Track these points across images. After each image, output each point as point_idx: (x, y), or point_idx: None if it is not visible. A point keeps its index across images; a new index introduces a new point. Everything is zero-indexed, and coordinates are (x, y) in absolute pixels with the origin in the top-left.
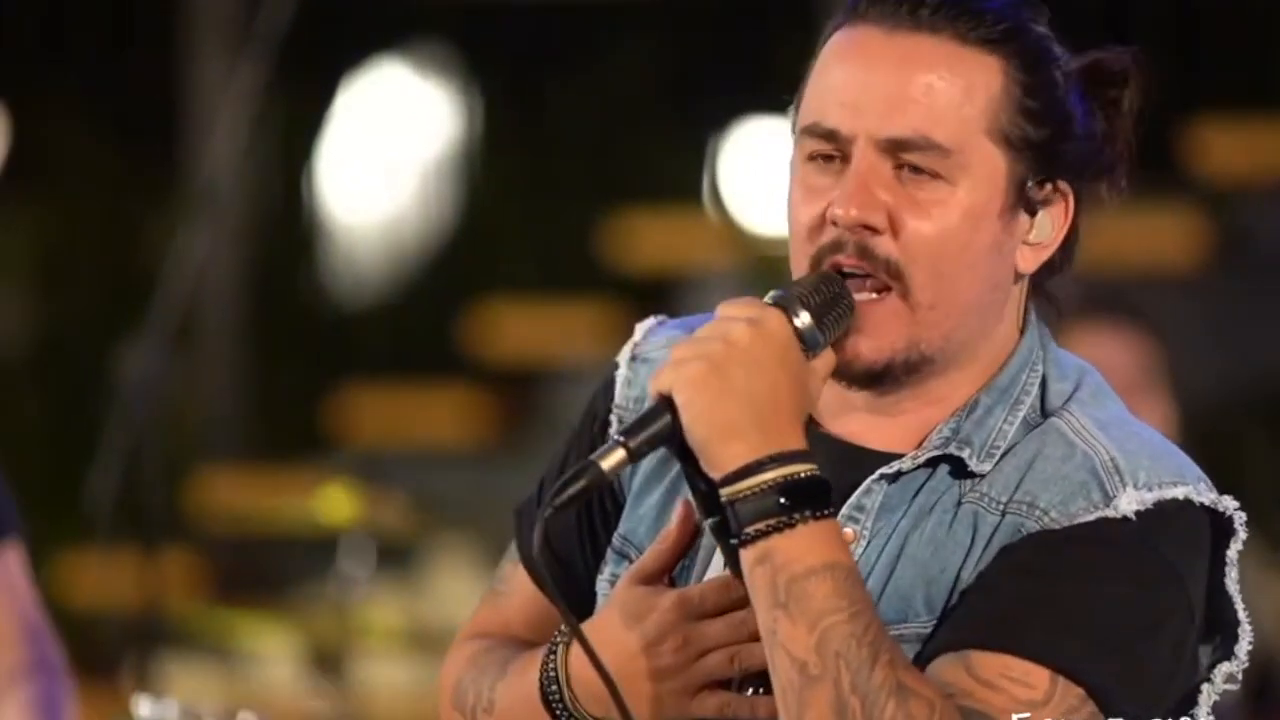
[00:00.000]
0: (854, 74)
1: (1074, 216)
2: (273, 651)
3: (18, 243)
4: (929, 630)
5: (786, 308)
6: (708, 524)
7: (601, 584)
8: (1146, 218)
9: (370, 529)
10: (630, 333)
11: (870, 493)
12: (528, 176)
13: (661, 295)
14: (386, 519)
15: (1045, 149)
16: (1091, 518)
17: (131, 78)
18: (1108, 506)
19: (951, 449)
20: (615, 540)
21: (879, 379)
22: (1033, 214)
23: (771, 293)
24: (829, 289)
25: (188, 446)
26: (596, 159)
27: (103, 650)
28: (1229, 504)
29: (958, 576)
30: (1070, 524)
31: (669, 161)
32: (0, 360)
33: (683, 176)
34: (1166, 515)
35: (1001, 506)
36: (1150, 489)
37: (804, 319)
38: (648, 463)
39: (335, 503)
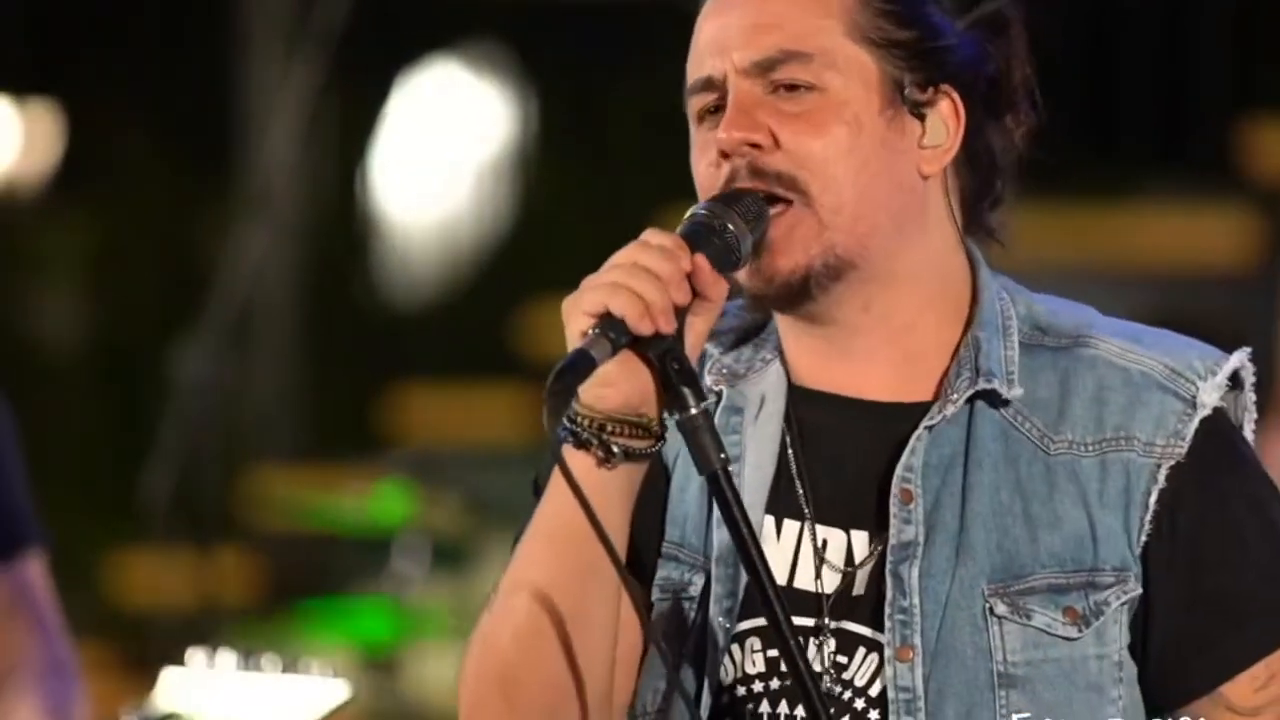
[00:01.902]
0: (714, 23)
1: (966, 119)
2: (327, 650)
3: (74, 243)
4: (1071, 579)
5: (719, 217)
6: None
7: (654, 590)
8: (1201, 218)
9: (424, 528)
10: None
11: (914, 451)
12: (583, 177)
13: None
14: (440, 518)
15: (915, 49)
16: (1193, 425)
17: (187, 78)
18: (1196, 408)
19: (980, 384)
20: (665, 546)
21: (804, 293)
22: (920, 118)
23: (694, 207)
24: (740, 194)
25: (243, 446)
26: (651, 160)
27: (158, 648)
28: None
29: (1091, 523)
30: (1184, 446)
31: None
32: (57, 360)
33: None
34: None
35: (1093, 447)
36: (1213, 372)
37: (736, 224)
38: (684, 455)
39: (390, 502)
